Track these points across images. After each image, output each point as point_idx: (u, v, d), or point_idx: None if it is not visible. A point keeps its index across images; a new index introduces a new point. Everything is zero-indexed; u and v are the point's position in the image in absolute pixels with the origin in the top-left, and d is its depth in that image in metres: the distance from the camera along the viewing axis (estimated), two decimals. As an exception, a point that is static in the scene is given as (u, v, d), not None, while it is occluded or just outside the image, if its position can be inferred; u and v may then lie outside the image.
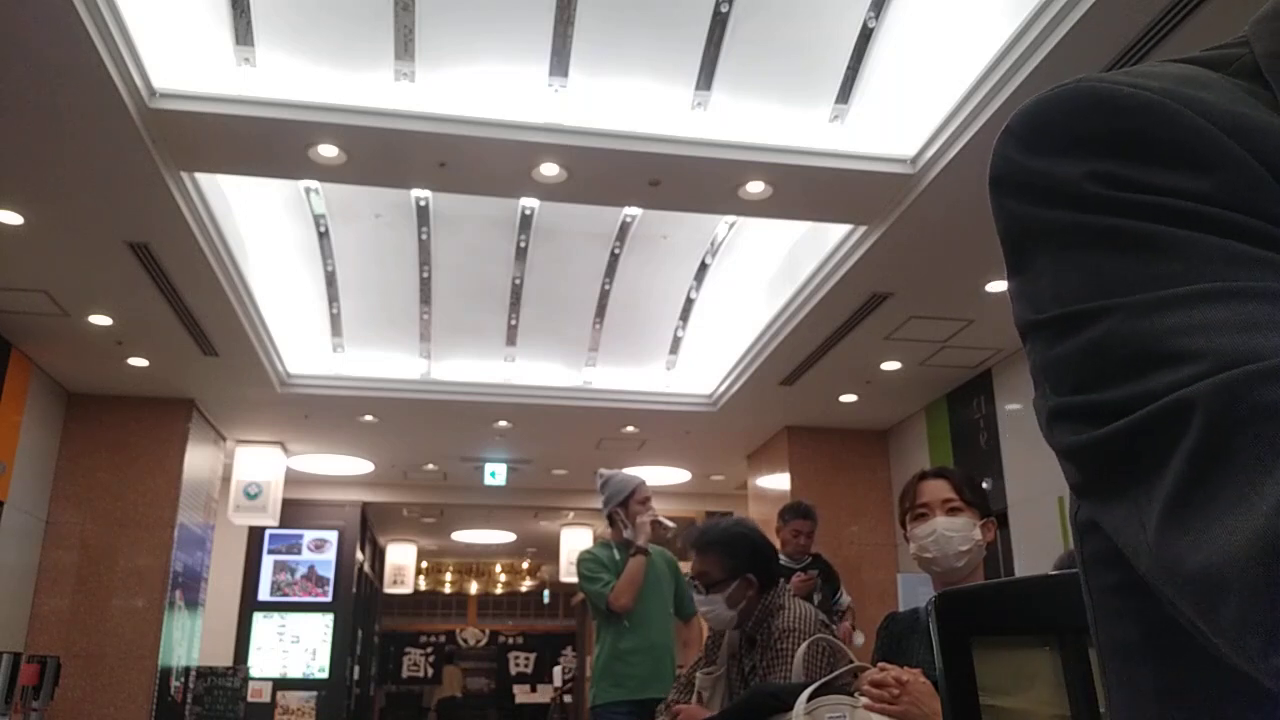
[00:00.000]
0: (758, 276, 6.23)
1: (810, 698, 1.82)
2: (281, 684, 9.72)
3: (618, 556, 3.82)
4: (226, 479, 8.47)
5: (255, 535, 9.91)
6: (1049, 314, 0.47)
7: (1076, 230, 0.46)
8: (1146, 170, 0.44)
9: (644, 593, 3.74)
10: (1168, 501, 0.41)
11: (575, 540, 11.56)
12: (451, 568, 17.72)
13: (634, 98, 4.28)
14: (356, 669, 11.19)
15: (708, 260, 6.18)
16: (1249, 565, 0.36)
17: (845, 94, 4.30)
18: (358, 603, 10.81)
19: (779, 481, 8.02)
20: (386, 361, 7.17)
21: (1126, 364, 0.43)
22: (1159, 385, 0.42)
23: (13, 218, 4.49)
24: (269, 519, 8.68)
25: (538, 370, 7.39)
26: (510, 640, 17.86)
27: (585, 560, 3.86)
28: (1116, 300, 0.44)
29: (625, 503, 3.87)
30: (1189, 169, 0.44)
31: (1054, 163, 0.47)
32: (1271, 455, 0.37)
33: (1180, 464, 0.40)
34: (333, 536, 10.21)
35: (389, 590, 14.09)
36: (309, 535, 10.15)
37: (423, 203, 5.44)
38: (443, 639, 17.58)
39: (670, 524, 3.97)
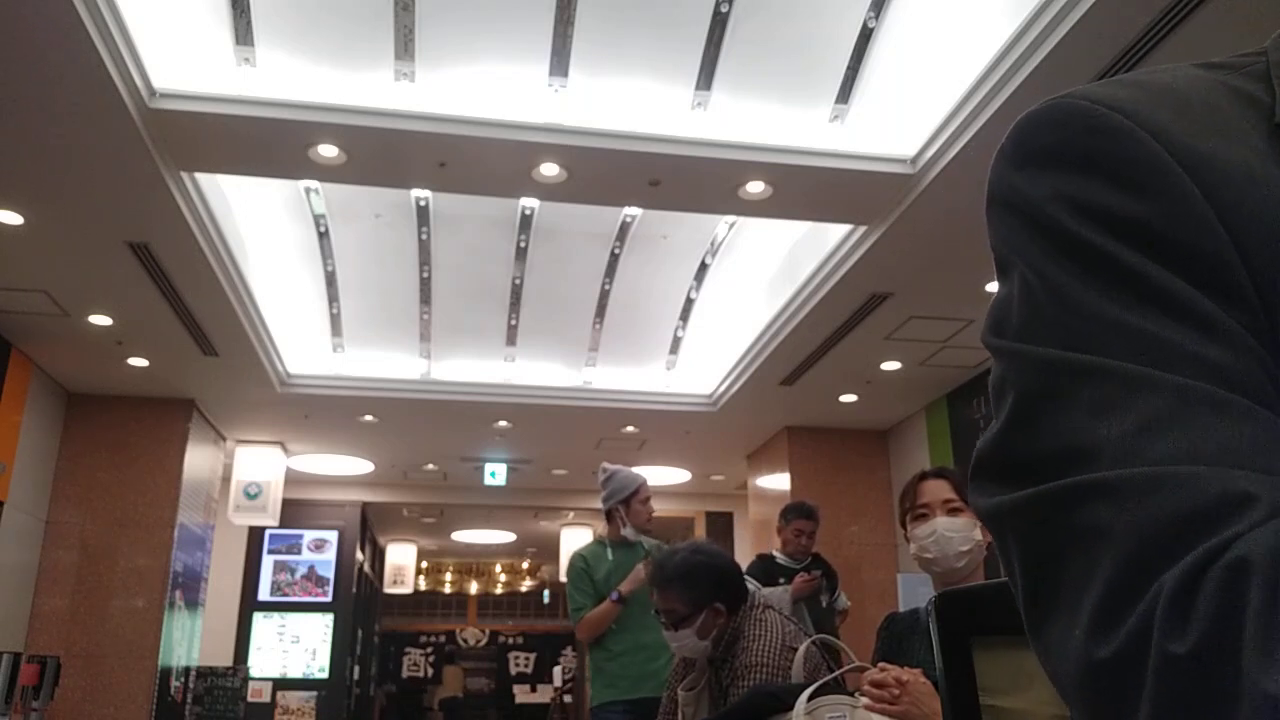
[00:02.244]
0: (758, 276, 6.23)
1: (810, 698, 1.82)
2: (281, 684, 9.72)
3: (611, 556, 3.80)
4: (226, 479, 8.46)
5: (255, 535, 9.90)
6: (996, 341, 0.49)
7: (1032, 261, 0.47)
8: (1102, 193, 0.45)
9: (636, 593, 3.72)
10: (1022, 605, 0.43)
11: (575, 540, 11.54)
12: (451, 568, 17.72)
13: (634, 98, 4.28)
14: (356, 669, 11.18)
15: (708, 260, 6.17)
16: (1077, 686, 0.39)
17: (845, 94, 4.29)
18: (358, 603, 10.81)
19: (779, 481, 8.02)
20: (386, 361, 7.17)
21: (1008, 415, 0.45)
22: (1017, 459, 0.44)
23: (13, 218, 4.49)
24: (269, 519, 8.67)
25: (538, 370, 7.39)
26: (510, 640, 17.84)
27: (575, 565, 3.82)
28: (1019, 346, 0.46)
29: (627, 500, 3.86)
30: (1137, 196, 0.44)
31: (1029, 178, 0.48)
32: (1086, 575, 0.39)
33: (1020, 575, 0.43)
34: (333, 536, 10.20)
35: (389, 590, 14.08)
36: (309, 535, 10.14)
37: (423, 203, 5.44)
38: (443, 639, 17.56)
39: None
